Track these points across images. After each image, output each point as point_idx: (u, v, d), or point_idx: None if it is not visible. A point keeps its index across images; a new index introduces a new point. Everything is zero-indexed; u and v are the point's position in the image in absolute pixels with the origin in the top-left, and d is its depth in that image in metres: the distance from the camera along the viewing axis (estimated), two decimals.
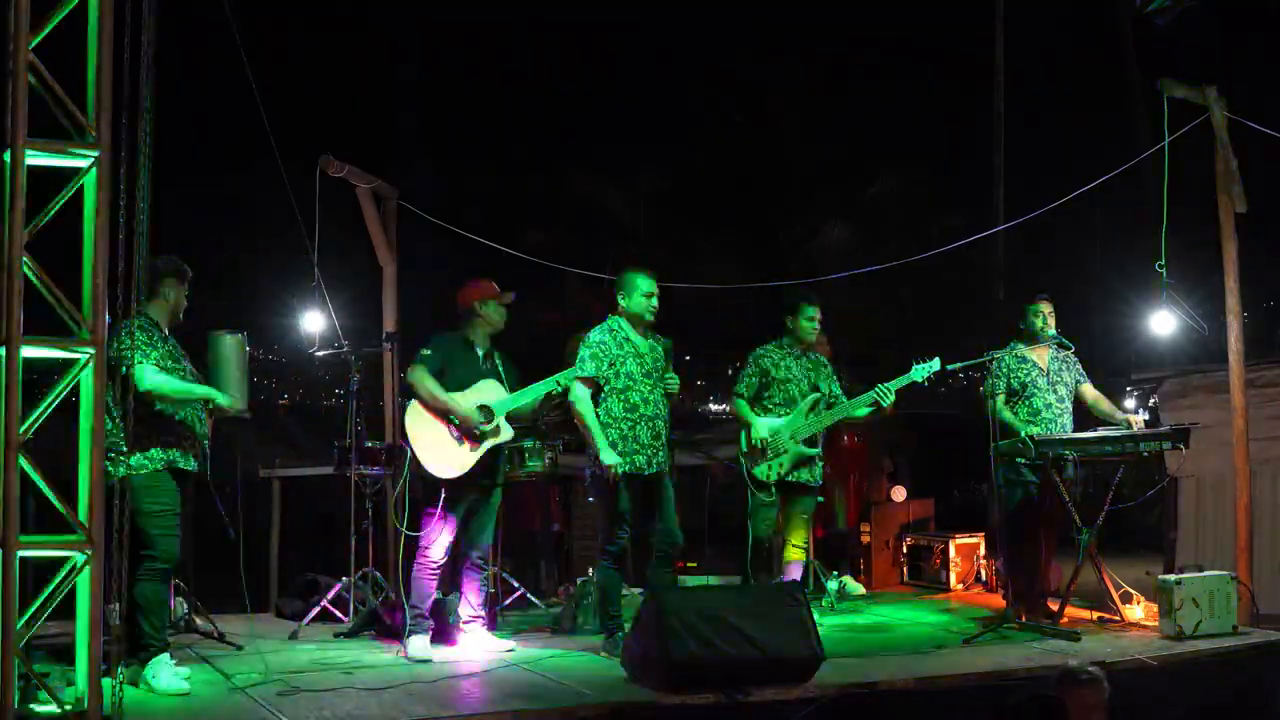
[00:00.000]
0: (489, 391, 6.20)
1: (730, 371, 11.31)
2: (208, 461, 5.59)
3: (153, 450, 5.32)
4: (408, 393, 6.18)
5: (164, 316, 5.56)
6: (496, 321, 6.31)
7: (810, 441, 6.75)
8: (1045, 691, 4.60)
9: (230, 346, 5.60)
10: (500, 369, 6.32)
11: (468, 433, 6.08)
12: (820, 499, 8.08)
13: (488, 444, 6.13)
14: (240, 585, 6.17)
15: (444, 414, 6.07)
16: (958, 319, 14.01)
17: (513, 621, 7.04)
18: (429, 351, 6.15)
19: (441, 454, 6.05)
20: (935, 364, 6.78)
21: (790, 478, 6.74)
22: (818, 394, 6.85)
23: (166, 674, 5.19)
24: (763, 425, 6.72)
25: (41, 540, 4.29)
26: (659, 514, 6.17)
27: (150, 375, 5.27)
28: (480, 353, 6.29)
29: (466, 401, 6.11)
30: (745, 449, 6.77)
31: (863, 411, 6.82)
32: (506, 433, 6.22)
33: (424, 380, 6.07)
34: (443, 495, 6.07)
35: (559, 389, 6.23)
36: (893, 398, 6.71)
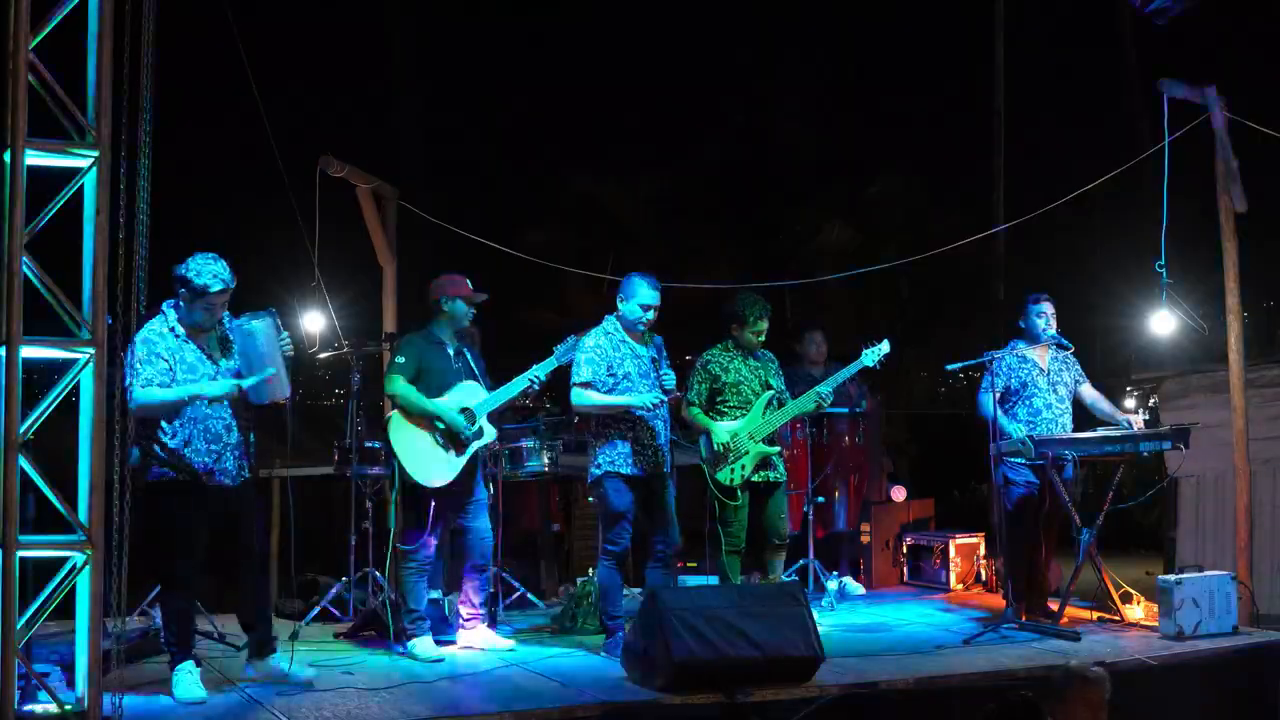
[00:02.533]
0: (469, 394, 6.16)
1: None
2: (244, 463, 5.38)
3: (166, 457, 5.21)
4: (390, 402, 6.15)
5: (184, 319, 5.29)
6: (462, 320, 6.24)
7: (770, 440, 6.70)
8: (1024, 693, 4.58)
9: (258, 332, 5.24)
10: (472, 364, 6.29)
11: (453, 438, 6.07)
12: (820, 499, 8.11)
13: (473, 447, 6.12)
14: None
15: (429, 421, 6.05)
16: (957, 319, 13.99)
17: (513, 621, 7.04)
18: (402, 359, 6.07)
19: (429, 463, 6.02)
20: (885, 346, 6.73)
21: (755, 478, 6.65)
22: (771, 391, 6.80)
23: (185, 682, 5.15)
24: (722, 430, 6.62)
25: (41, 540, 4.30)
26: (659, 515, 6.17)
27: (136, 396, 5.07)
28: (450, 350, 6.24)
29: (449, 407, 6.09)
30: (706, 455, 6.66)
31: (810, 406, 6.77)
32: (489, 434, 6.20)
33: (404, 391, 6.01)
34: (433, 505, 6.06)
35: (535, 387, 6.21)
36: (832, 397, 6.69)
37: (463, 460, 6.08)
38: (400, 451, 6.01)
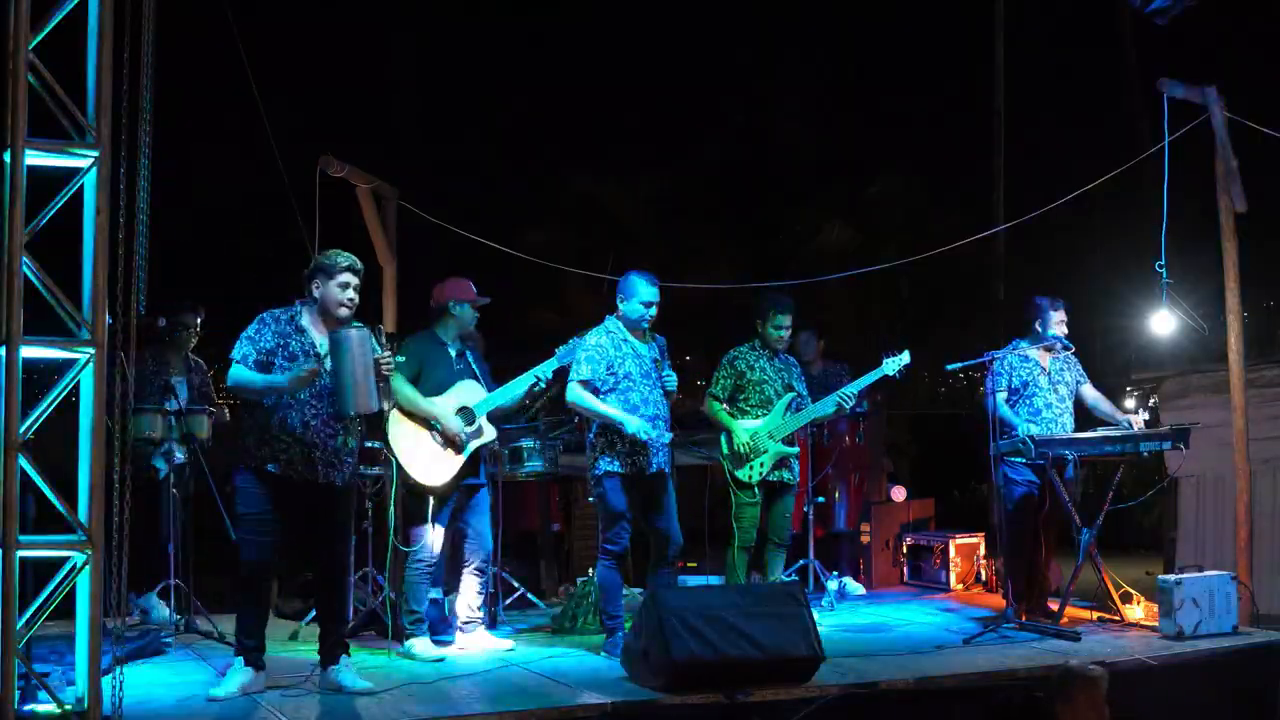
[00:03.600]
0: (468, 393, 6.18)
1: None
2: (328, 471, 5.25)
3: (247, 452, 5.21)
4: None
5: (317, 311, 5.29)
6: (467, 323, 6.29)
7: (789, 440, 6.76)
8: (1035, 694, 4.60)
9: (348, 341, 5.13)
10: (474, 366, 6.31)
11: (451, 438, 6.07)
12: (820, 499, 8.11)
13: (472, 446, 6.12)
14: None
15: (426, 421, 6.06)
16: (957, 319, 14.01)
17: (513, 621, 7.04)
18: (402, 359, 6.06)
19: (427, 461, 6.03)
20: (905, 357, 6.80)
21: (772, 477, 6.73)
22: (793, 393, 6.84)
23: (231, 679, 5.16)
24: (743, 428, 6.71)
25: (41, 540, 4.30)
26: (660, 515, 6.17)
27: (232, 371, 5.16)
28: (453, 352, 6.26)
29: (447, 406, 6.10)
30: (726, 452, 6.75)
31: (829, 410, 6.81)
32: (489, 433, 6.20)
33: (401, 389, 6.00)
34: (430, 503, 6.06)
35: (540, 384, 6.23)
36: (853, 401, 6.76)
37: (461, 460, 6.08)
38: (399, 449, 6.02)
